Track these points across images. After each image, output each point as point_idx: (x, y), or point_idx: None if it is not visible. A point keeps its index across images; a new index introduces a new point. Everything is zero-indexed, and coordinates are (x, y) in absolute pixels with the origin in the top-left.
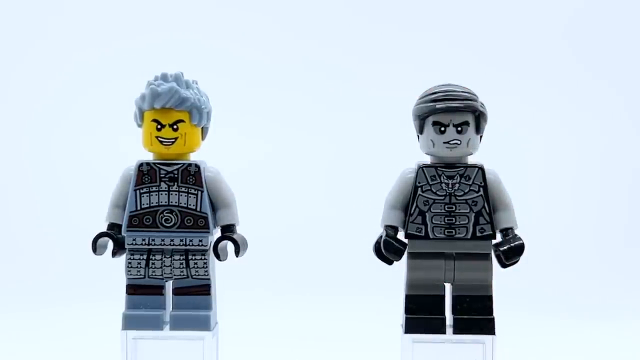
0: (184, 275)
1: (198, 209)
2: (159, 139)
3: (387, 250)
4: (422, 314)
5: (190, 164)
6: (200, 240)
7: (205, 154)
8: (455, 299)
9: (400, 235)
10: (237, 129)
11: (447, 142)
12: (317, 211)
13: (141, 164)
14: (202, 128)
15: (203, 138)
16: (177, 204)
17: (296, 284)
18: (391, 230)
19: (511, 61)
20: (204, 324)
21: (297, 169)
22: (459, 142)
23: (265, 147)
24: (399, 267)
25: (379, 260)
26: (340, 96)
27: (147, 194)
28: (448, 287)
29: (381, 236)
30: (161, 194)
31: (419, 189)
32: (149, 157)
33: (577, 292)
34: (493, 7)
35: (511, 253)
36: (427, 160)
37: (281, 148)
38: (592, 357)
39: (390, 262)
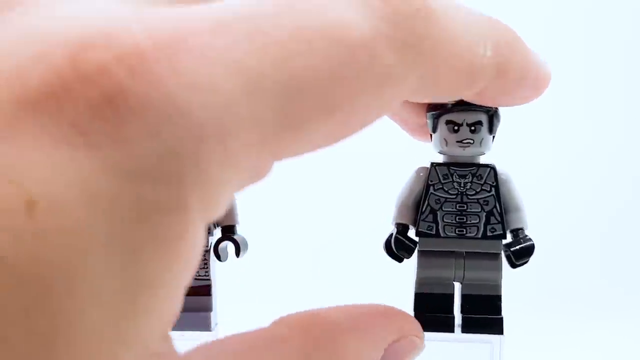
0: None
1: None
2: None
3: (397, 247)
4: (430, 312)
5: None
6: None
7: None
8: (464, 298)
9: (411, 234)
10: None
11: (460, 141)
12: (319, 210)
13: None
14: None
15: None
16: None
17: (297, 284)
18: (402, 228)
19: None
20: (204, 325)
21: (299, 167)
22: (472, 141)
23: None
24: (406, 266)
25: (389, 258)
26: None
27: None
28: (457, 286)
29: (392, 234)
30: None
31: (431, 187)
32: None
33: (586, 292)
34: (500, 6)
35: (521, 253)
36: (440, 159)
37: None
38: (602, 357)
39: (400, 260)
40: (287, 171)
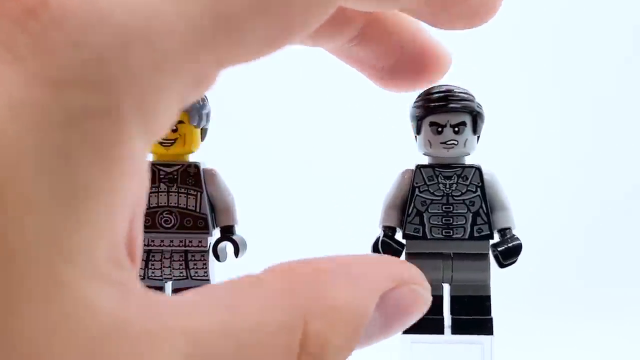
0: (183, 276)
1: (197, 209)
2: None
3: (384, 250)
4: None
5: (189, 165)
6: (200, 241)
7: (205, 155)
8: (453, 299)
9: (398, 236)
10: (236, 129)
11: (444, 143)
12: (316, 211)
13: None
14: (201, 129)
15: (202, 139)
16: (176, 204)
17: None
18: (389, 230)
19: (508, 62)
20: None
21: (296, 169)
22: (456, 143)
23: (264, 148)
24: None
25: None
26: (340, 96)
27: (147, 195)
28: (446, 287)
29: (379, 237)
30: (161, 195)
31: (417, 189)
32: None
33: (576, 291)
34: None
35: (509, 253)
36: (425, 161)
37: (280, 148)
38: (591, 357)
39: None
40: (285, 172)
